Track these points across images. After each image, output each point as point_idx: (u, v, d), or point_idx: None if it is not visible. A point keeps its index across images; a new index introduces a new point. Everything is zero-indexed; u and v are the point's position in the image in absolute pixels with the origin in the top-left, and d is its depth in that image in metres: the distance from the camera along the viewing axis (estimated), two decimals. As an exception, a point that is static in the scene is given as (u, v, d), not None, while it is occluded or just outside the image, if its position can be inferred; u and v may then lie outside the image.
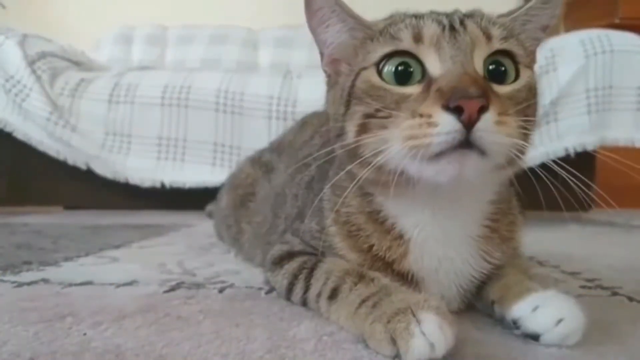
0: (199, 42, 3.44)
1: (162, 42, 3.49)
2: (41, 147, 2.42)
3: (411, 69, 0.59)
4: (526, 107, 0.59)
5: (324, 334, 0.58)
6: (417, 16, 0.62)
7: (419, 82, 0.58)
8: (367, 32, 0.65)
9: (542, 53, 2.30)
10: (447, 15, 0.62)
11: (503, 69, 0.60)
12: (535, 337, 0.56)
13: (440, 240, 0.64)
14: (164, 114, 2.43)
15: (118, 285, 0.83)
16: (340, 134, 0.64)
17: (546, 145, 2.07)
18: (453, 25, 0.59)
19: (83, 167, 2.44)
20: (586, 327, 0.55)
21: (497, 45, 0.59)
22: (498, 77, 0.59)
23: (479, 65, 0.58)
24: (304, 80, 2.40)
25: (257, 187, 1.11)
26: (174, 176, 2.41)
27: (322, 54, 0.70)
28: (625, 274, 0.89)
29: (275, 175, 1.06)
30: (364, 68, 0.62)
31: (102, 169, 2.43)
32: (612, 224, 2.00)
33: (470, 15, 0.62)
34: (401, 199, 0.62)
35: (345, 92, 0.64)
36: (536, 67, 0.67)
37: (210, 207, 1.83)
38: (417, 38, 0.59)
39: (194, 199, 2.22)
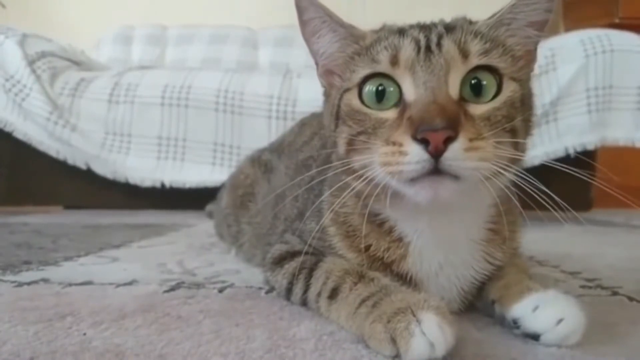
0: (198, 41, 3.44)
1: (162, 42, 3.49)
2: (41, 147, 2.43)
3: (390, 89, 0.60)
4: (508, 123, 0.58)
5: (324, 333, 0.58)
6: (401, 32, 0.62)
7: (396, 105, 0.59)
8: (355, 48, 0.65)
9: (542, 53, 2.30)
10: (427, 30, 0.61)
11: (484, 83, 0.59)
12: (535, 337, 0.56)
13: (441, 245, 0.64)
14: (164, 114, 2.43)
15: (118, 285, 0.83)
16: (334, 146, 0.66)
17: (546, 145, 2.07)
18: (429, 45, 0.59)
19: (83, 166, 2.44)
20: (586, 327, 0.55)
21: (475, 61, 0.58)
22: (479, 93, 0.59)
23: (454, 87, 0.57)
24: (304, 79, 2.40)
25: (256, 188, 1.11)
26: (174, 176, 2.41)
27: (316, 64, 0.71)
28: (625, 274, 0.89)
29: (275, 176, 1.06)
30: (347, 90, 0.63)
31: (102, 169, 2.43)
32: (612, 224, 2.00)
33: (451, 28, 0.61)
34: (398, 206, 0.61)
35: (334, 110, 0.65)
36: (536, 66, 0.66)
37: (210, 206, 1.83)
38: (394, 61, 0.59)
39: (193, 199, 2.23)
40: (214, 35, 3.44)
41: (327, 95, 0.71)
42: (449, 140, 0.52)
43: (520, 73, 0.61)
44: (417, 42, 0.59)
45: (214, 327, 0.60)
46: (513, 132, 0.58)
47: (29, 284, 0.84)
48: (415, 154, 0.53)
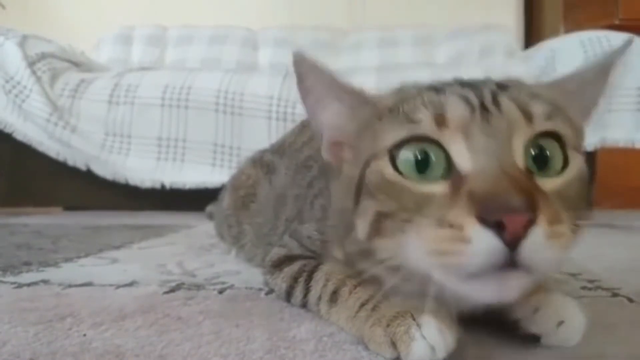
0: (198, 42, 3.44)
1: (161, 43, 3.49)
2: (41, 148, 2.43)
3: (434, 159, 0.47)
4: (578, 202, 0.48)
5: (324, 334, 0.57)
6: (437, 89, 0.51)
7: (443, 176, 0.47)
8: (373, 110, 0.54)
9: (542, 53, 2.31)
10: (475, 87, 0.50)
11: (548, 154, 0.48)
12: (535, 339, 0.55)
13: (452, 304, 0.55)
14: (164, 115, 2.43)
15: (118, 286, 0.83)
16: (349, 229, 0.54)
17: (546, 146, 2.07)
18: (484, 103, 0.48)
19: (83, 167, 2.44)
20: (586, 328, 0.55)
21: (540, 126, 0.47)
22: (541, 165, 0.48)
23: (519, 155, 0.46)
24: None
25: (258, 188, 1.11)
26: (174, 177, 2.41)
27: (321, 136, 0.60)
28: (626, 275, 0.89)
29: (276, 177, 1.06)
30: (375, 156, 0.50)
31: (102, 170, 2.43)
32: (613, 225, 2.00)
33: (503, 87, 0.50)
34: (410, 291, 0.52)
35: (352, 184, 0.53)
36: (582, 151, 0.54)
37: (210, 208, 1.82)
38: (440, 121, 0.47)
39: (194, 200, 2.22)
40: (213, 35, 3.44)
41: (337, 173, 0.59)
42: (529, 224, 0.40)
43: (580, 149, 0.51)
44: (468, 100, 0.48)
45: (214, 328, 0.60)
46: (581, 209, 0.49)
47: (29, 285, 0.84)
48: (483, 242, 0.40)
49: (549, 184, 0.47)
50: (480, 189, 0.42)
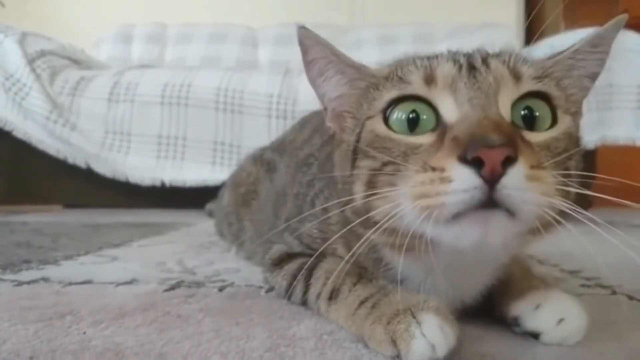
0: (198, 40, 3.44)
1: (161, 41, 3.49)
2: (41, 146, 2.43)
3: (424, 117, 0.50)
4: (566, 158, 0.49)
5: (324, 332, 0.57)
6: (430, 57, 0.54)
7: (432, 130, 0.50)
8: (371, 81, 0.58)
9: (542, 51, 2.31)
10: (467, 54, 0.54)
11: (537, 114, 0.50)
12: (535, 336, 0.56)
13: (448, 291, 0.59)
14: (163, 113, 2.43)
15: (118, 284, 0.83)
16: (350, 199, 0.55)
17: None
18: (473, 63, 0.51)
19: (83, 165, 2.44)
20: (587, 326, 0.55)
21: (528, 86, 0.50)
22: (531, 125, 0.50)
23: (505, 110, 0.49)
24: (304, 78, 2.35)
25: (259, 186, 1.11)
26: (174, 175, 2.41)
27: (325, 109, 0.64)
28: (625, 273, 0.89)
29: (277, 175, 1.06)
30: (369, 117, 0.54)
31: (102, 168, 2.43)
32: (612, 223, 2.00)
33: (496, 54, 0.54)
34: (412, 260, 0.54)
35: (350, 149, 0.56)
36: (582, 121, 0.58)
37: (210, 205, 1.83)
38: (429, 80, 0.51)
39: (193, 198, 2.23)
40: (213, 33, 3.44)
41: (339, 142, 0.62)
42: (507, 163, 0.42)
43: (574, 115, 0.54)
44: (457, 60, 0.51)
45: (214, 326, 0.60)
46: (572, 170, 0.51)
47: (28, 283, 0.84)
48: (463, 179, 0.42)
49: (534, 137, 0.49)
50: (462, 133, 0.45)
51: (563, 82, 0.55)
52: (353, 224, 0.54)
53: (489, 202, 0.43)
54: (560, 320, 0.54)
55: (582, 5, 3.22)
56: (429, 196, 0.44)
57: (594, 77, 0.57)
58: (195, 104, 2.41)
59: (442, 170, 0.44)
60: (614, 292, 0.79)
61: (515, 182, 0.42)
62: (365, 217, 0.52)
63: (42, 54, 2.50)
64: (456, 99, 0.49)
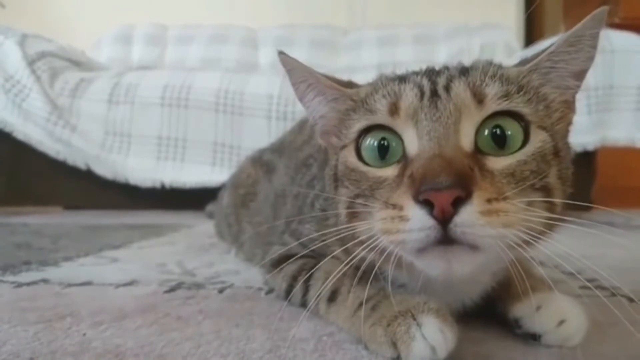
0: (198, 41, 3.44)
1: (161, 42, 3.49)
2: (41, 147, 2.43)
3: (393, 144, 0.52)
4: (539, 179, 0.49)
5: (324, 334, 0.57)
6: (402, 78, 0.55)
7: (399, 161, 0.51)
8: (349, 103, 0.59)
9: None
10: (436, 75, 0.54)
11: (509, 133, 0.50)
12: (536, 337, 0.55)
13: (447, 294, 0.58)
14: (163, 114, 2.43)
15: (118, 286, 0.83)
16: (339, 214, 0.58)
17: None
18: (436, 90, 0.51)
19: (83, 167, 2.44)
20: (587, 328, 0.55)
21: (493, 106, 0.50)
22: (502, 145, 0.50)
23: (467, 138, 0.49)
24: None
25: (258, 187, 1.11)
26: (174, 176, 2.41)
27: (315, 124, 0.65)
28: (625, 275, 0.89)
29: (276, 176, 1.06)
30: (344, 146, 0.57)
31: (102, 169, 2.43)
32: (612, 224, 2.00)
33: (464, 71, 0.53)
34: (405, 271, 0.54)
35: (332, 172, 0.59)
36: (575, 118, 0.57)
37: (210, 207, 1.83)
38: (393, 110, 0.52)
39: (193, 199, 2.23)
40: (213, 35, 3.44)
41: (328, 159, 0.64)
42: (459, 202, 0.43)
43: (553, 124, 0.53)
44: (421, 87, 0.52)
45: (214, 327, 0.60)
46: (546, 191, 0.50)
47: (28, 284, 0.84)
48: (418, 219, 0.44)
49: (499, 162, 0.49)
50: (417, 171, 0.47)
51: (541, 90, 0.54)
52: (343, 234, 0.55)
53: (447, 239, 0.44)
54: (561, 322, 0.54)
55: (582, 6, 3.21)
56: (391, 232, 0.47)
57: (580, 74, 0.56)
58: (195, 105, 2.41)
59: (401, 208, 0.46)
60: (613, 294, 0.78)
61: (468, 219, 0.43)
62: (351, 233, 0.53)
63: (42, 55, 2.50)
64: (417, 131, 0.50)
